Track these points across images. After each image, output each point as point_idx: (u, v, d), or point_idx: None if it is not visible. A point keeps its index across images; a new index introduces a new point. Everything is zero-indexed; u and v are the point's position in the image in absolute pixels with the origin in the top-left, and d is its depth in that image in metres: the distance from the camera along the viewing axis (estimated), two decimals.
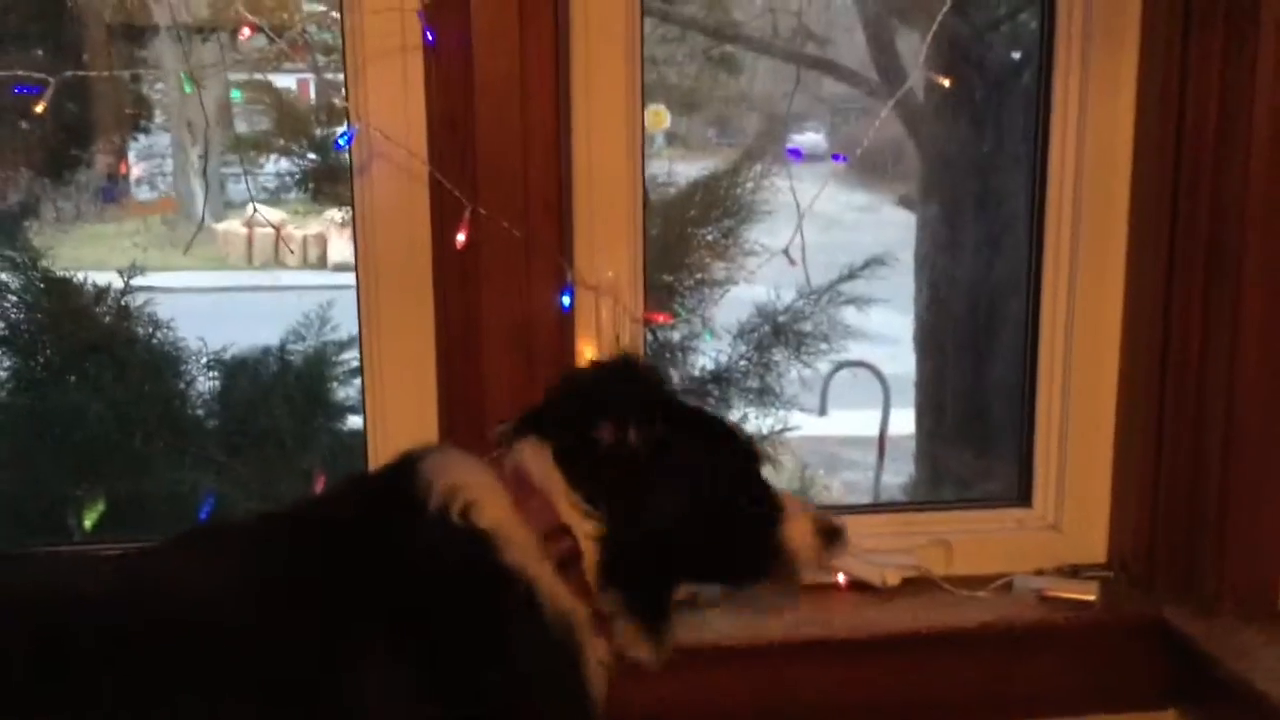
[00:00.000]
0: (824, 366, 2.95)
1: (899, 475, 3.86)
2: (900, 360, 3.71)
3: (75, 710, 1.18)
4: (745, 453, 1.50)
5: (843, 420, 4.68)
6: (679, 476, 1.40)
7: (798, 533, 1.47)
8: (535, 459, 1.39)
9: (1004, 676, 1.82)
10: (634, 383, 1.45)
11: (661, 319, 1.92)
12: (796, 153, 1.79)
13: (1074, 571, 1.92)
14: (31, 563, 1.44)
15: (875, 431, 4.15)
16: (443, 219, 1.73)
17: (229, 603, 1.26)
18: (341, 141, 1.71)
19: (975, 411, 2.87)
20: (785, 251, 1.75)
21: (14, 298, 2.37)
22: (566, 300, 1.76)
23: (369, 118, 1.70)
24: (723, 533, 1.44)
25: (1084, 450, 1.94)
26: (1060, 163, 1.89)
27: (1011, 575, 1.89)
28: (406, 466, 1.38)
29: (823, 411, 4.53)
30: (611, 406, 1.39)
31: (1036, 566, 1.94)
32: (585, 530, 1.37)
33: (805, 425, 3.05)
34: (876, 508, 2.43)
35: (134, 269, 2.38)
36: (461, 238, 1.67)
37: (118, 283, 2.39)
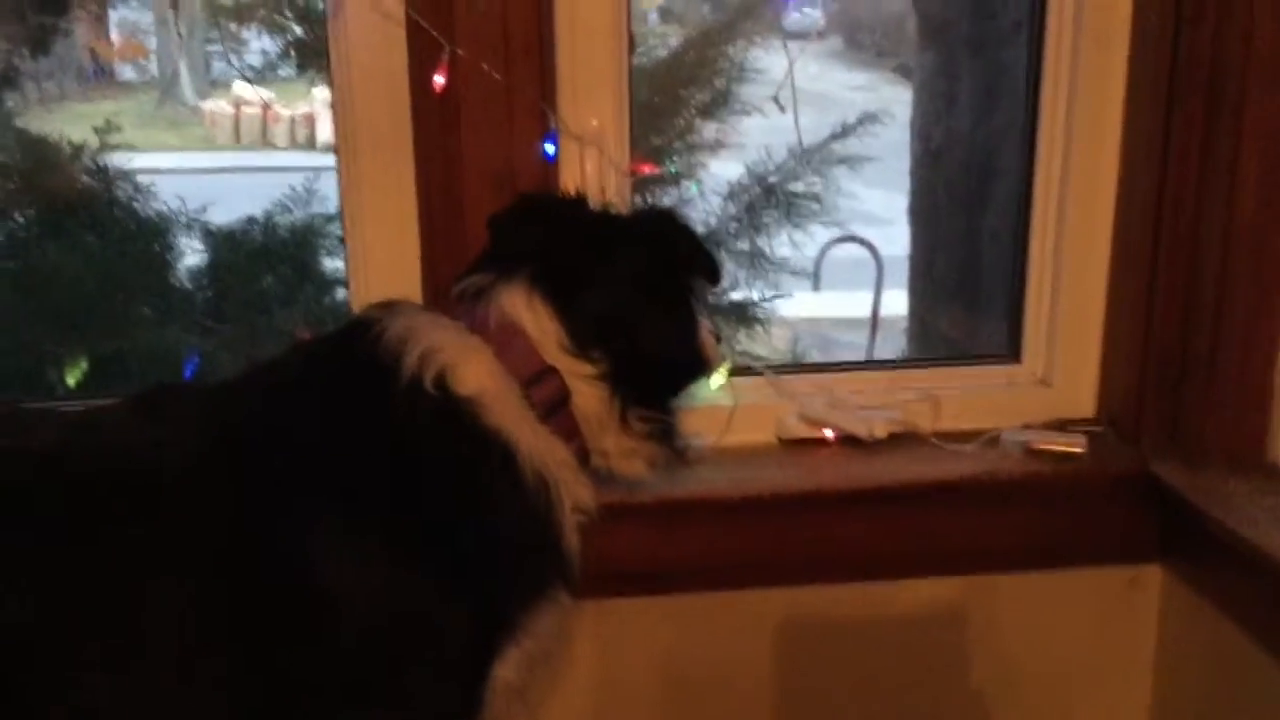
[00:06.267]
0: (820, 236, 2.91)
1: (892, 354, 3.85)
2: (893, 242, 3.67)
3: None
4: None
5: (836, 301, 4.67)
6: (664, 293, 1.41)
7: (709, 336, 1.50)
8: (515, 300, 1.36)
9: (990, 529, 1.83)
10: (584, 206, 1.47)
11: (647, 169, 1.88)
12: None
13: (1062, 426, 1.91)
14: None
15: (868, 312, 4.14)
16: (421, 64, 1.68)
17: (170, 467, 1.22)
18: None
19: (969, 274, 2.86)
20: (775, 99, 1.70)
21: None
22: (550, 149, 1.71)
23: None
24: (690, 339, 1.45)
25: (1076, 304, 1.91)
26: (1059, 7, 1.84)
27: (999, 430, 1.88)
28: (369, 331, 1.33)
29: (816, 286, 4.51)
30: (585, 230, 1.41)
31: (1025, 422, 1.93)
32: (574, 368, 1.35)
33: (799, 303, 3.01)
34: (865, 364, 2.41)
35: (109, 126, 2.32)
36: (440, 80, 1.63)
37: (93, 142, 2.34)
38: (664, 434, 1.43)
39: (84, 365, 1.98)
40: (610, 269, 1.39)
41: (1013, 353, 1.99)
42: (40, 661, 1.16)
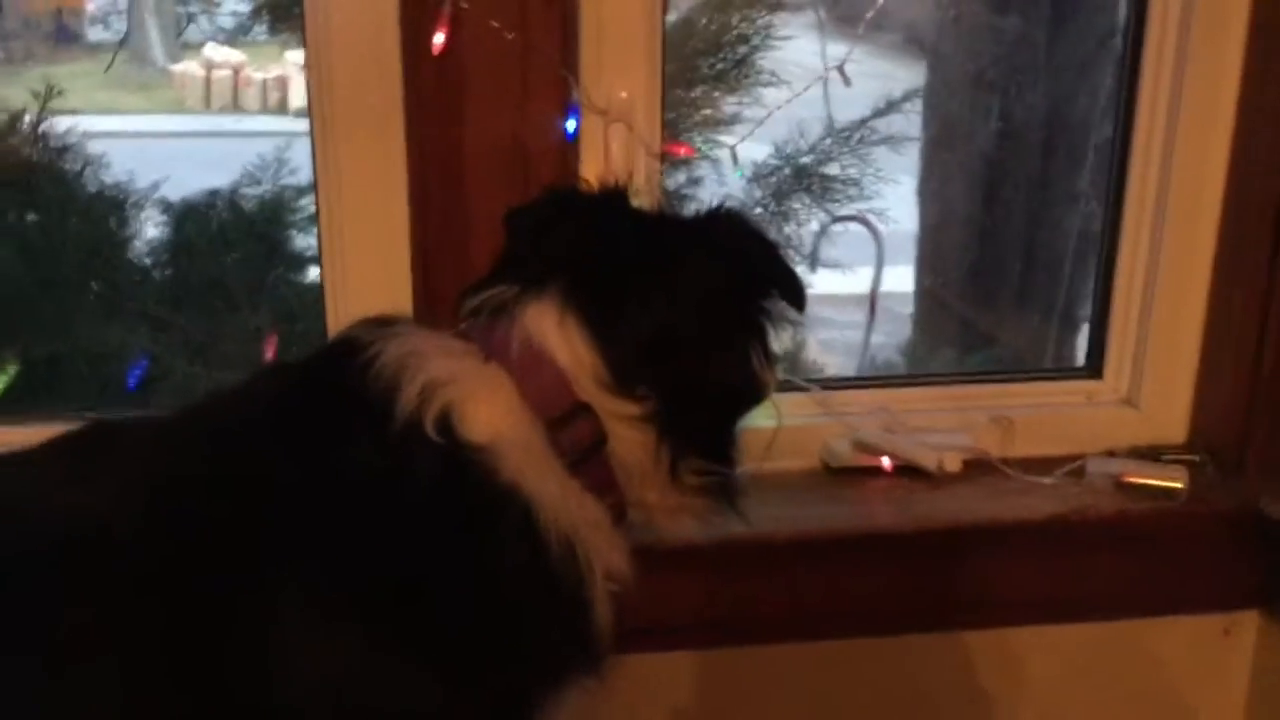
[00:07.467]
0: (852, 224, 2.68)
1: (889, 337, 3.65)
2: (891, 219, 3.46)
3: None
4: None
5: (823, 278, 4.46)
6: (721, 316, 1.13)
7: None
8: (543, 321, 1.08)
9: (1072, 574, 1.59)
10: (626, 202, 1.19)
11: (683, 151, 1.62)
12: None
13: (1153, 454, 1.66)
14: None
15: (857, 289, 3.94)
16: (417, 19, 1.41)
17: (104, 539, 0.96)
18: None
19: (988, 260, 2.66)
20: (839, 68, 1.45)
21: None
22: (571, 125, 1.45)
23: None
24: (755, 372, 1.16)
25: (1170, 312, 1.66)
26: None
27: (1084, 458, 1.63)
28: (356, 356, 1.06)
29: (813, 268, 4.31)
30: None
31: (1106, 448, 1.68)
32: (613, 407, 1.08)
33: None
34: (918, 379, 2.14)
35: (50, 92, 2.02)
36: (440, 39, 1.36)
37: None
38: (721, 489, 1.16)
39: (10, 372, 1.69)
40: (664, 286, 1.11)
41: (1093, 367, 1.73)
42: None
